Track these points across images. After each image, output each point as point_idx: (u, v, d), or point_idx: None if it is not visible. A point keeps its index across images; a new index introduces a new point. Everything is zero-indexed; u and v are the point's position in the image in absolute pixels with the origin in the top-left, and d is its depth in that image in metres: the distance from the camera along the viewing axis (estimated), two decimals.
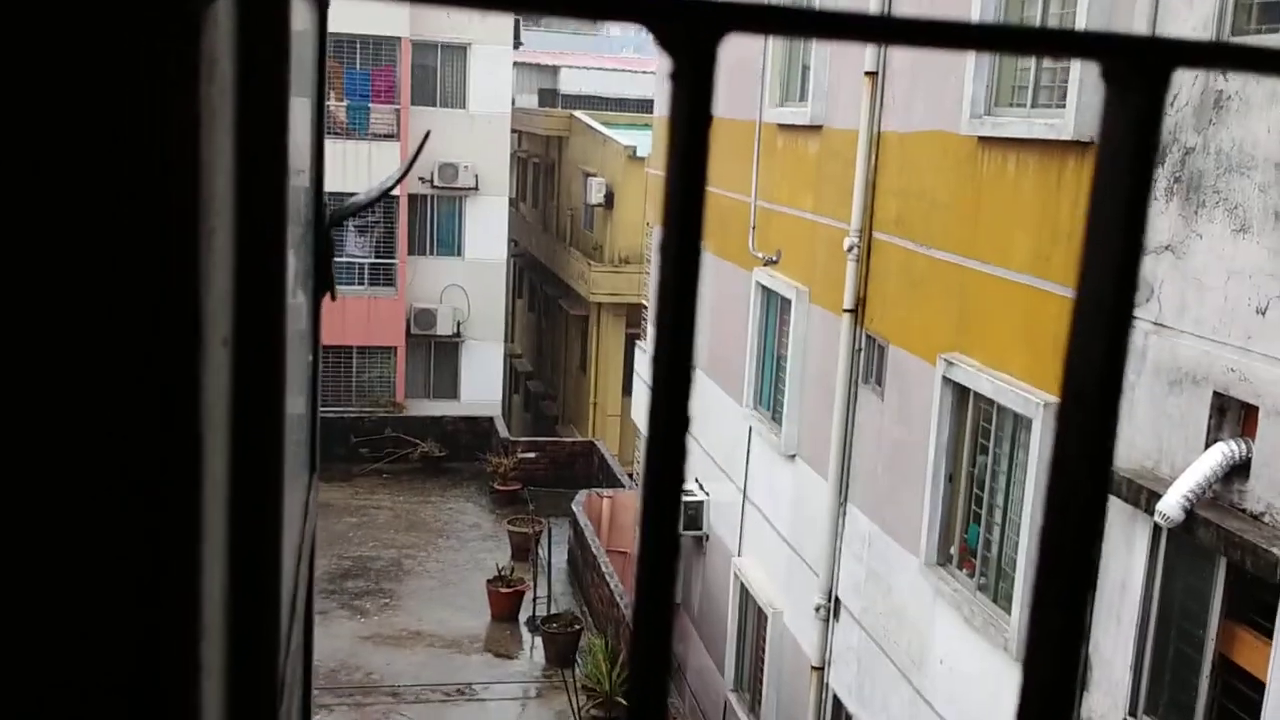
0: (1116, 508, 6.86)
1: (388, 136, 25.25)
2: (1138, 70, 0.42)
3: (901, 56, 9.83)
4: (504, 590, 17.37)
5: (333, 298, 1.52)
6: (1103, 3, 7.16)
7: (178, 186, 0.46)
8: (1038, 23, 8.07)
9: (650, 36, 0.41)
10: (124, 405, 0.47)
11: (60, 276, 0.47)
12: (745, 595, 13.12)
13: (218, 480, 0.59)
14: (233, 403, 0.64)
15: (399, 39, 25.25)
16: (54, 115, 0.44)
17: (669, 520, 0.44)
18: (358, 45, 25.28)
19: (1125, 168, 0.42)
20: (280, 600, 0.78)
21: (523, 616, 17.43)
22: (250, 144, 0.62)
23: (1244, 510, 5.97)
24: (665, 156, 0.41)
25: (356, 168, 24.67)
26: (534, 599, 17.18)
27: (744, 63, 13.29)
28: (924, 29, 0.43)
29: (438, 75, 26.18)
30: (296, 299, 1.31)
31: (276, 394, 0.71)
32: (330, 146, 26.87)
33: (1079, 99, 7.27)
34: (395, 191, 25.11)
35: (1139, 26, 6.78)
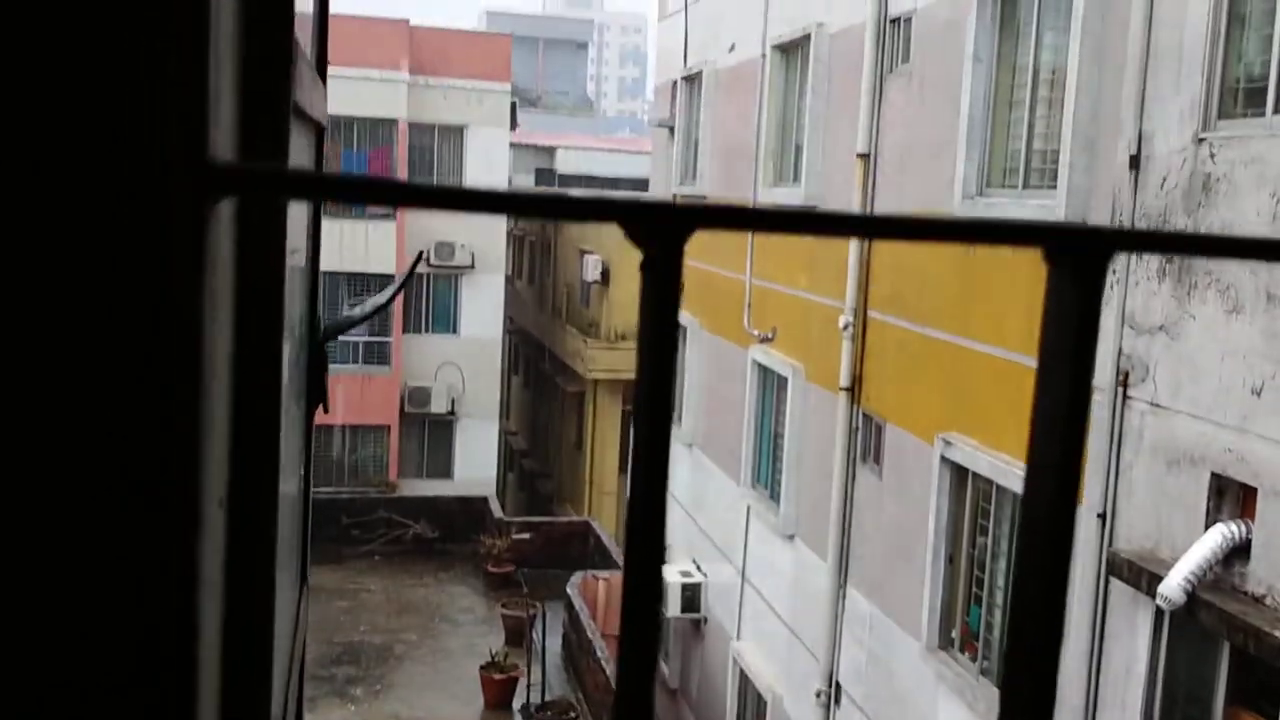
0: (1118, 590, 6.80)
1: (384, 216, 25.46)
2: (1079, 256, 0.46)
3: (893, 138, 9.97)
4: (497, 676, 17.10)
5: (325, 410, 1.51)
6: (1090, 91, 7.28)
7: (182, 374, 0.46)
8: (1026, 110, 8.20)
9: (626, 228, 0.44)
10: (121, 577, 0.46)
11: (67, 460, 0.47)
12: (744, 680, 12.92)
13: (209, 642, 0.57)
14: (226, 563, 0.63)
15: (396, 121, 25.60)
16: (69, 311, 0.45)
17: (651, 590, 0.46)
18: (355, 126, 25.61)
19: (1070, 346, 0.46)
20: None
21: (516, 704, 17.13)
22: (248, 317, 0.62)
23: (1245, 592, 5.92)
24: (637, 339, 0.45)
25: (353, 247, 24.84)
26: (528, 685, 16.91)
27: (739, 142, 13.48)
28: (877, 223, 0.47)
29: (434, 156, 26.49)
30: (290, 414, 1.31)
31: (268, 550, 0.70)
32: (327, 225, 27.09)
33: (1070, 180, 7.36)
34: (392, 271, 25.26)
35: (1126, 114, 6.88)
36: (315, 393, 1.48)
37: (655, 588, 0.46)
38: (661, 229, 0.44)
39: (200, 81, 0.45)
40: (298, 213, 1.39)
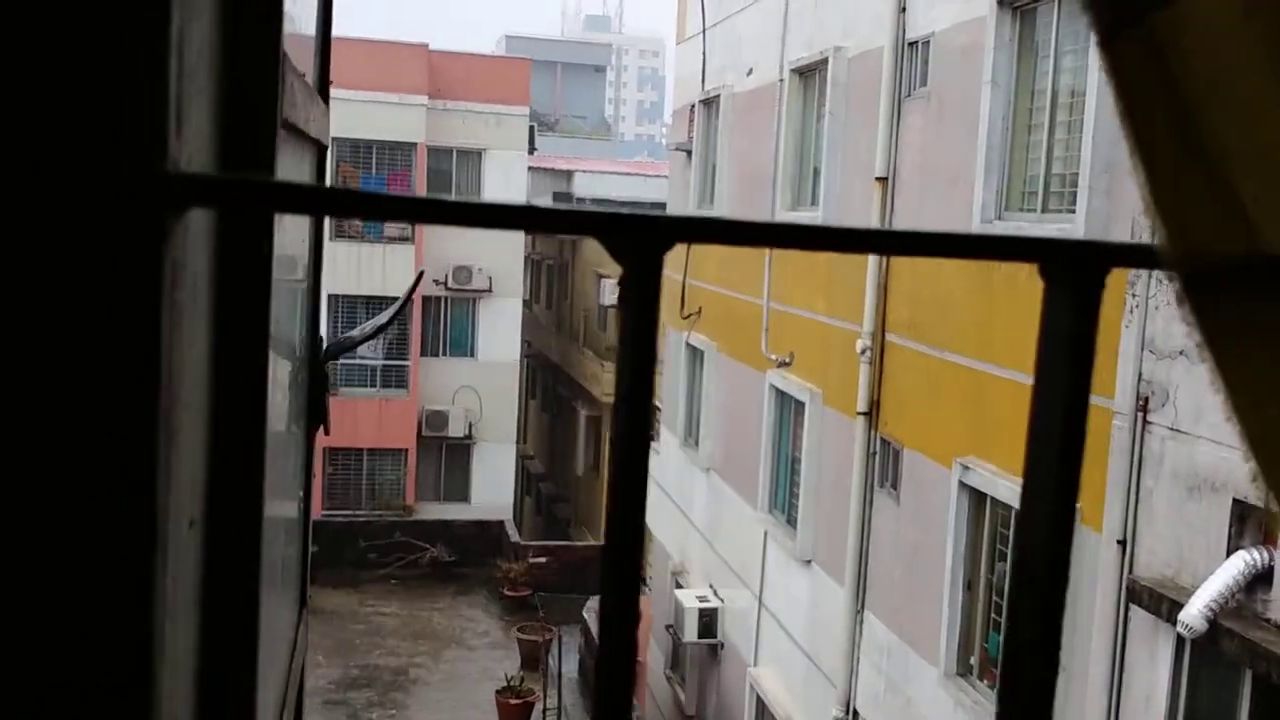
0: (1139, 618, 6.71)
1: (402, 239, 25.59)
2: (1074, 272, 0.45)
3: (912, 161, 9.96)
4: (513, 701, 17.03)
5: (326, 432, 1.50)
6: (1109, 113, 7.26)
7: (135, 388, 0.44)
8: (1045, 133, 8.17)
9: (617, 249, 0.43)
10: (76, 595, 0.45)
11: (19, 466, 0.45)
12: (761, 706, 12.82)
13: (179, 666, 0.56)
14: (204, 579, 0.61)
15: (414, 144, 25.75)
16: (19, 322, 0.44)
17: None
18: (374, 150, 25.78)
19: (1066, 361, 0.45)
20: None
21: None
22: (228, 339, 0.61)
23: (1268, 620, 5.83)
24: (617, 348, 0.44)
25: (370, 270, 24.96)
26: (544, 710, 16.83)
27: (756, 166, 13.49)
28: (867, 237, 0.46)
29: (453, 179, 26.62)
30: (290, 434, 1.29)
31: (251, 572, 0.68)
32: (345, 249, 27.14)
33: (1089, 203, 7.33)
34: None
35: None
36: (315, 414, 1.46)
37: (633, 593, 0.45)
38: (640, 242, 0.43)
39: (159, 91, 0.44)
40: (298, 233, 1.39)
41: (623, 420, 0.43)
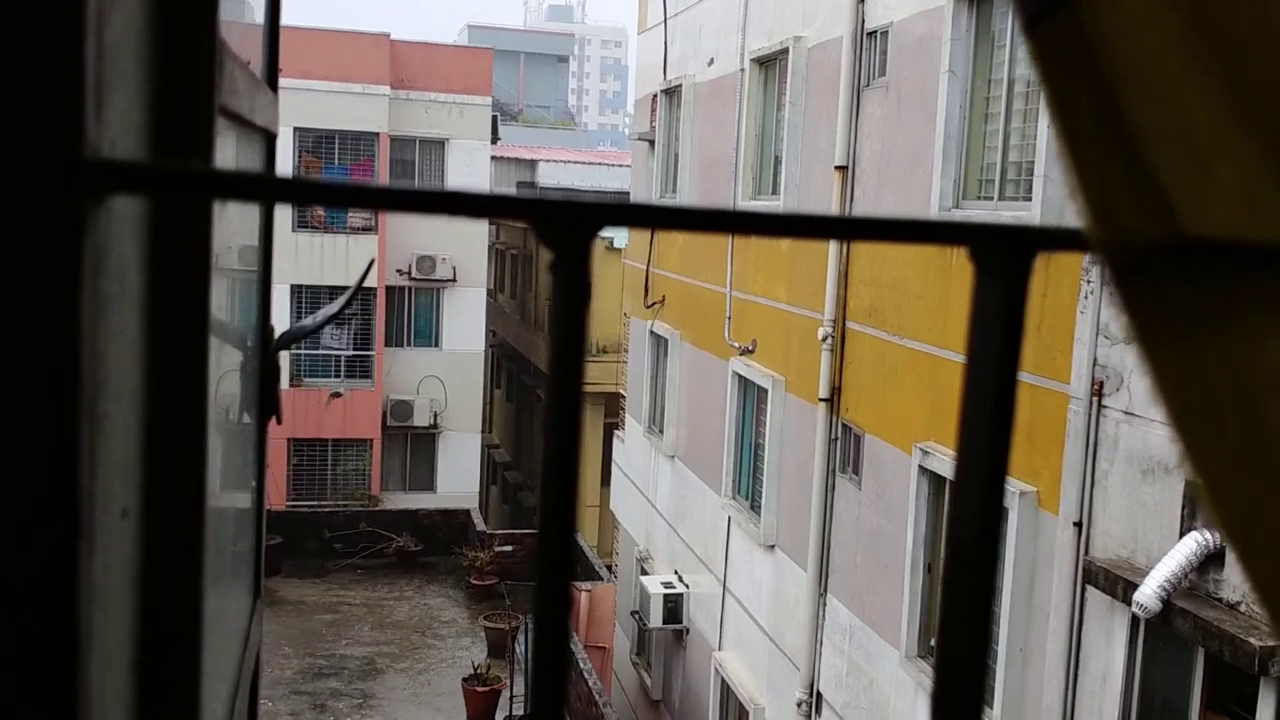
0: (1095, 598, 6.82)
1: (365, 229, 25.41)
2: (1003, 256, 0.46)
3: (871, 150, 10.02)
4: (480, 689, 17.03)
5: (278, 421, 1.50)
6: None
7: (53, 376, 0.45)
8: (1001, 122, 8.25)
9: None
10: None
11: None
12: (726, 690, 12.90)
13: (112, 655, 0.57)
14: (142, 569, 0.62)
15: (377, 134, 25.57)
16: None
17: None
18: (336, 140, 25.57)
19: (996, 343, 0.45)
20: None
21: (499, 716, 17.06)
22: (163, 326, 0.61)
23: (1220, 600, 5.94)
24: (547, 336, 0.46)
25: (334, 261, 24.78)
26: (511, 698, 16.85)
27: (718, 155, 13.52)
28: (799, 222, 0.47)
29: (416, 169, 26.46)
30: (240, 424, 1.30)
31: (193, 562, 0.69)
32: (308, 240, 26.86)
33: (1045, 191, 7.41)
34: (373, 284, 25.21)
35: None
36: (267, 403, 1.47)
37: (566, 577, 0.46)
38: (567, 227, 0.44)
39: (73, 73, 0.44)
40: (247, 222, 1.39)
41: (553, 396, 0.45)
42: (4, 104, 0.43)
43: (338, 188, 0.45)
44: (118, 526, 0.55)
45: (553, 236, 0.44)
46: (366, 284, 25.00)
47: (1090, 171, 0.47)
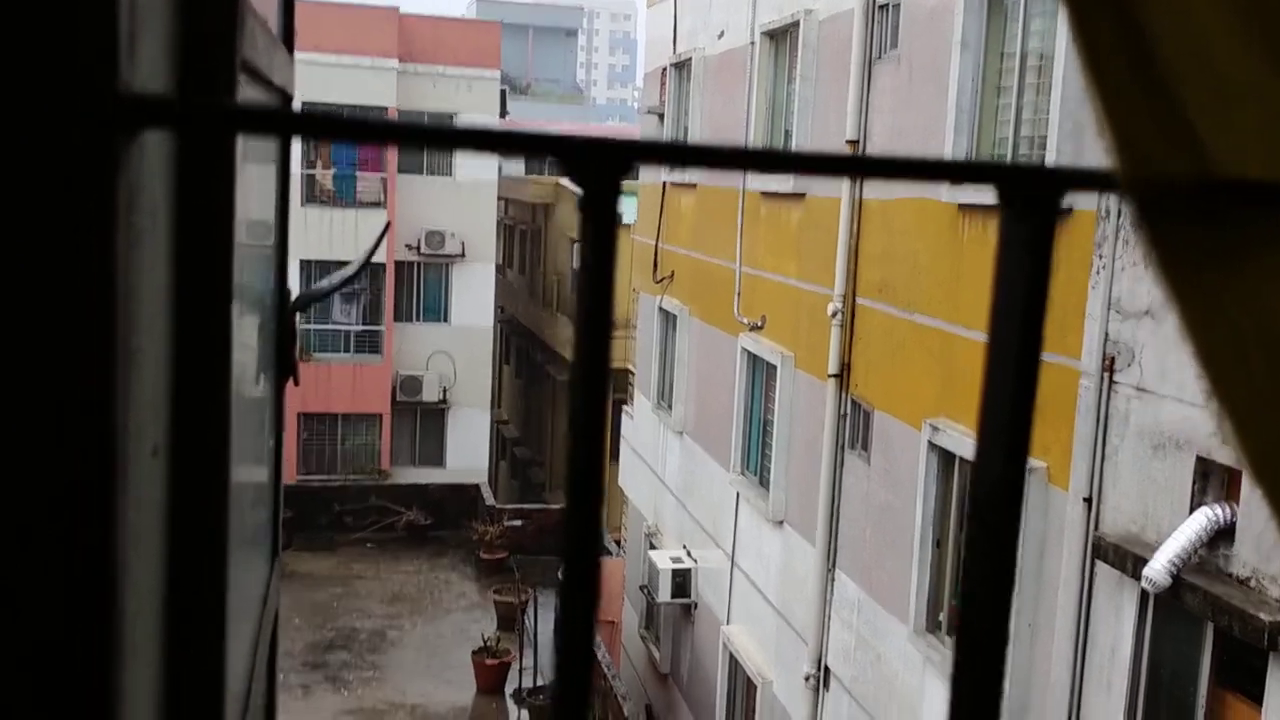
0: (1105, 573, 6.83)
1: (374, 204, 25.40)
2: (1030, 196, 0.45)
3: (882, 124, 9.97)
4: (490, 661, 17.13)
5: (295, 383, 1.51)
6: (1077, 76, 7.28)
7: (91, 308, 0.45)
8: (1014, 95, 8.20)
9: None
10: (31, 509, 0.46)
11: None
12: (734, 664, 12.96)
13: (146, 592, 0.57)
14: (169, 509, 0.63)
15: (386, 108, 25.50)
16: None
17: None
18: (344, 114, 25.48)
19: (1023, 286, 0.45)
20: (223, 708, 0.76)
21: (509, 688, 17.17)
22: (190, 265, 0.62)
23: (1230, 575, 5.95)
24: (578, 273, 0.45)
25: (343, 235, 24.78)
26: (520, 670, 16.95)
27: (728, 129, 13.46)
28: (826, 162, 0.46)
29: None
30: (259, 385, 1.30)
31: (219, 501, 0.70)
32: (317, 214, 26.82)
33: (1057, 164, 7.36)
34: (382, 259, 25.22)
35: None
36: (284, 365, 1.48)
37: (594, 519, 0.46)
38: (597, 165, 0.44)
39: (110, 14, 0.45)
40: (266, 185, 1.39)
41: (583, 348, 0.44)
42: (46, 41, 0.43)
43: (361, 123, 0.45)
44: (148, 464, 0.56)
45: (582, 174, 0.44)
46: (375, 259, 25.02)
47: (1115, 101, 0.47)
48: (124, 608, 0.51)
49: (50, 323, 0.46)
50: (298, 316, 1.65)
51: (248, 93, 0.96)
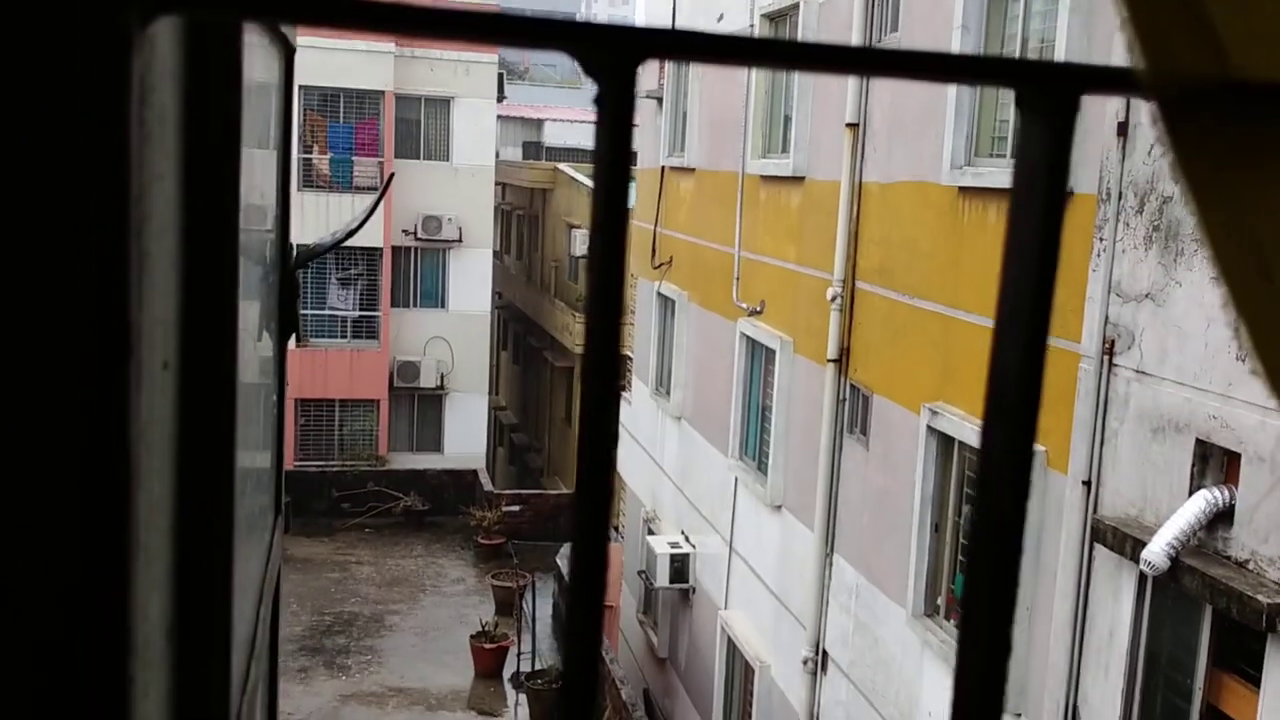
0: (1103, 556, 6.83)
1: (371, 189, 25.34)
2: (1049, 95, 0.44)
3: (882, 109, 9.94)
4: (488, 646, 17.16)
5: (299, 342, 1.50)
6: (1079, 60, 7.27)
7: (103, 205, 0.44)
8: (1019, 39, 8.17)
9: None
10: (46, 419, 0.45)
11: None
12: (732, 649, 12.99)
13: (157, 502, 0.56)
14: (179, 425, 0.62)
15: (382, 93, 25.43)
16: None
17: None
18: (341, 98, 25.44)
19: (1041, 191, 0.44)
20: (231, 634, 0.76)
21: (507, 673, 17.21)
22: (198, 170, 0.60)
23: (1228, 557, 5.95)
24: (593, 171, 0.43)
25: (340, 220, 24.71)
26: (518, 655, 16.98)
27: (727, 114, 13.43)
28: (842, 55, 0.45)
29: (421, 128, 26.34)
30: (261, 340, 1.29)
31: (228, 418, 0.69)
32: (314, 199, 26.79)
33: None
34: (379, 244, 25.17)
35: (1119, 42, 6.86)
36: (287, 321, 1.46)
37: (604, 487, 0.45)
38: (613, 53, 0.42)
39: None
40: (266, 156, 1.38)
41: (599, 237, 0.42)
42: None
43: (370, 5, 0.43)
44: (160, 378, 0.55)
45: (598, 65, 0.42)
46: (372, 244, 24.98)
47: (1142, 5, 0.46)
48: (137, 508, 0.50)
49: (67, 208, 0.45)
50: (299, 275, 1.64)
51: (254, 46, 0.95)
